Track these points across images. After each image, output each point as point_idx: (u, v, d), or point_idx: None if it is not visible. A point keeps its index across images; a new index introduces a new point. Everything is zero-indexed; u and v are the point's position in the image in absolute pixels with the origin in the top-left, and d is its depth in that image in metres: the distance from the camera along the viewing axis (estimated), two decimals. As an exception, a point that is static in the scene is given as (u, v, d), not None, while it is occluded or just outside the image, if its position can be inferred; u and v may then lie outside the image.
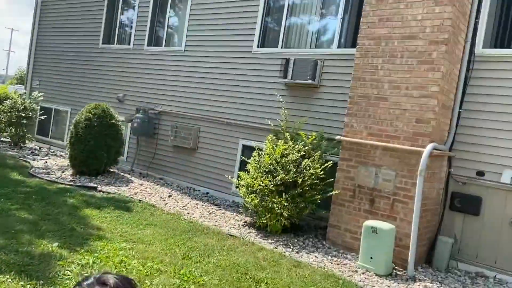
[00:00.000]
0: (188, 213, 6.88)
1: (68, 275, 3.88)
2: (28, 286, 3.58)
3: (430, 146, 5.19)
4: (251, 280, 4.38)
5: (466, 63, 5.81)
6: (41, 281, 3.68)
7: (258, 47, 8.04)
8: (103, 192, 7.58)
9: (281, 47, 7.78)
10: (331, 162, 6.32)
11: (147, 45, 9.99)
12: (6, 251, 4.23)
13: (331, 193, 6.05)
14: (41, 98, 11.49)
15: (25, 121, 10.92)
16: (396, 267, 5.32)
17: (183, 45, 9.21)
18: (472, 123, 5.80)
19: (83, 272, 4.02)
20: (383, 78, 5.78)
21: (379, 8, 5.88)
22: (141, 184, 8.53)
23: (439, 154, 5.57)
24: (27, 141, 11.64)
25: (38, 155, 10.69)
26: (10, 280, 3.62)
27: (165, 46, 9.71)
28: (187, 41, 9.15)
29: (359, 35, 6.07)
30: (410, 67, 5.57)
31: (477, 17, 5.78)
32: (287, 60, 7.32)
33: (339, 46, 7.11)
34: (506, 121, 5.54)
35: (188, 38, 9.14)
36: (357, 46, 6.08)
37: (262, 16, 8.05)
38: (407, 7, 5.62)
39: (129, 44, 10.46)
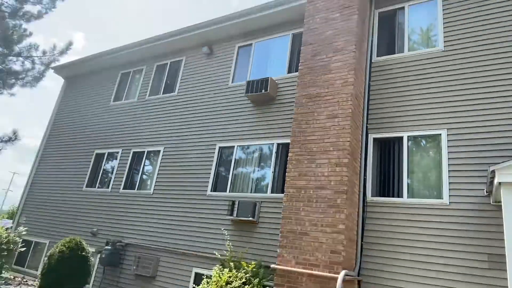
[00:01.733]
0: None
1: None
2: None
3: (342, 273, 5.12)
4: None
5: (362, 207, 6.17)
6: None
7: (211, 191, 8.17)
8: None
9: (229, 191, 7.93)
10: (268, 287, 6.06)
11: (123, 189, 9.85)
12: None
13: (268, 316, 5.64)
14: (24, 233, 10.53)
15: (5, 253, 9.74)
16: None
17: (152, 189, 9.18)
18: (372, 253, 5.90)
19: None
20: (304, 218, 5.91)
21: (298, 166, 6.33)
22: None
23: (350, 279, 5.47)
24: (3, 271, 10.20)
25: (11, 284, 9.40)
26: None
27: (137, 189, 9.58)
28: (155, 186, 9.15)
29: (285, 184, 6.34)
30: (323, 209, 5.78)
31: (365, 174, 6.39)
32: (233, 202, 7.44)
33: (272, 192, 7.34)
34: (391, 251, 5.73)
35: (156, 183, 9.16)
36: (284, 193, 6.31)
37: (215, 167, 8.39)
38: (317, 166, 6.12)
39: (108, 187, 10.28)
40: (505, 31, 6.05)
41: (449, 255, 5.32)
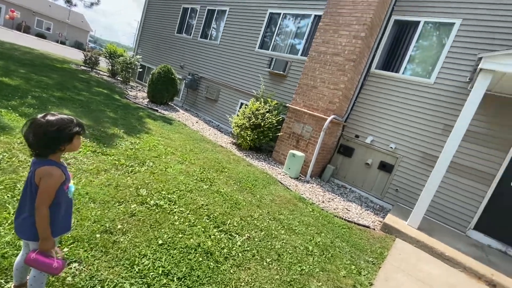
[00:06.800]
0: (202, 132, 6.90)
1: (121, 145, 4.09)
2: (96, 145, 3.76)
3: (331, 117, 5.45)
4: (221, 166, 4.59)
5: (364, 75, 5.88)
6: (105, 145, 3.88)
7: (258, 48, 7.98)
8: (160, 113, 7.54)
9: (271, 50, 7.72)
10: (282, 117, 6.57)
11: (200, 38, 9.79)
12: (92, 129, 4.35)
13: (278, 134, 6.30)
14: (140, 59, 11.44)
15: (130, 70, 10.98)
16: (301, 175, 5.69)
17: (219, 40, 9.06)
18: (359, 109, 5.94)
19: (130, 145, 4.17)
20: (317, 76, 5.88)
21: (323, 35, 5.87)
22: (183, 114, 8.48)
23: (337, 122, 5.78)
24: (130, 81, 11.67)
25: (134, 89, 10.61)
26: (89, 142, 3.81)
27: (209, 39, 9.50)
28: (221, 38, 8.98)
29: (310, 49, 6.04)
30: (332, 71, 5.67)
31: (376, 50, 5.79)
32: (272, 58, 7.38)
33: (301, 55, 7.04)
34: (374, 111, 5.72)
35: (222, 36, 8.97)
36: (308, 55, 6.10)
37: (263, 31, 7.91)
38: (338, 36, 5.65)
39: (190, 35, 10.22)
40: None
41: (415, 120, 5.30)
